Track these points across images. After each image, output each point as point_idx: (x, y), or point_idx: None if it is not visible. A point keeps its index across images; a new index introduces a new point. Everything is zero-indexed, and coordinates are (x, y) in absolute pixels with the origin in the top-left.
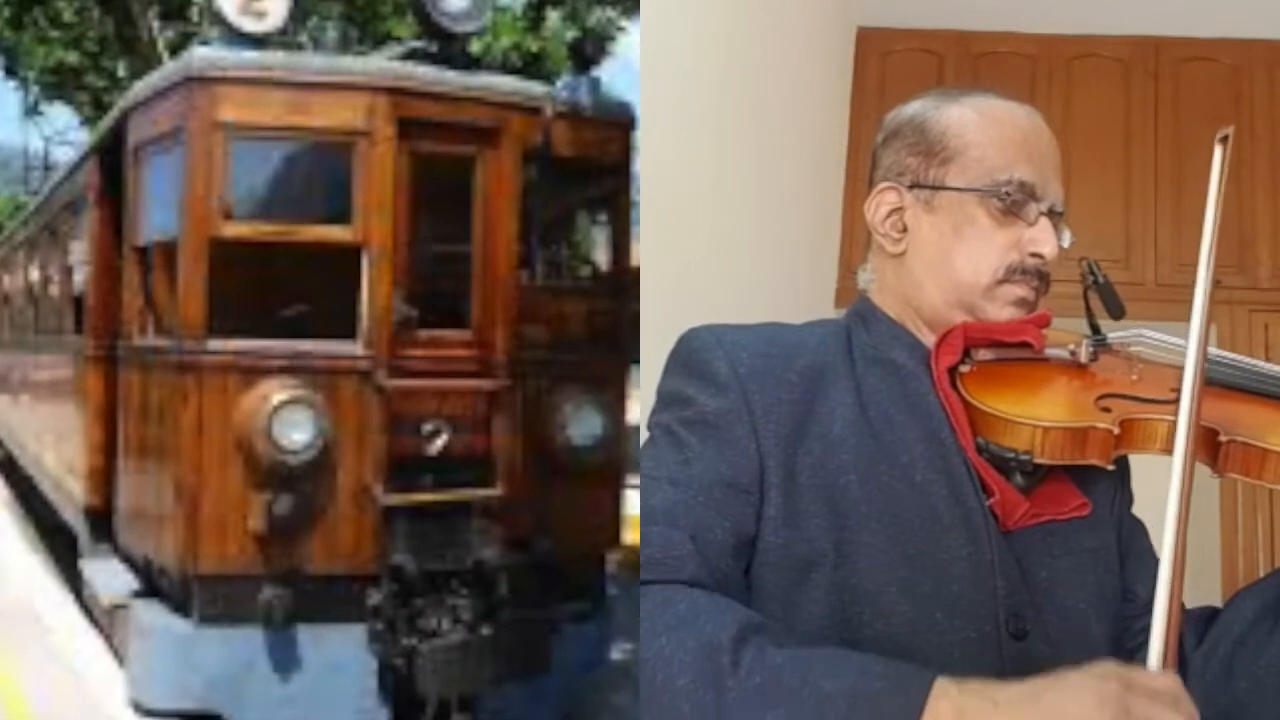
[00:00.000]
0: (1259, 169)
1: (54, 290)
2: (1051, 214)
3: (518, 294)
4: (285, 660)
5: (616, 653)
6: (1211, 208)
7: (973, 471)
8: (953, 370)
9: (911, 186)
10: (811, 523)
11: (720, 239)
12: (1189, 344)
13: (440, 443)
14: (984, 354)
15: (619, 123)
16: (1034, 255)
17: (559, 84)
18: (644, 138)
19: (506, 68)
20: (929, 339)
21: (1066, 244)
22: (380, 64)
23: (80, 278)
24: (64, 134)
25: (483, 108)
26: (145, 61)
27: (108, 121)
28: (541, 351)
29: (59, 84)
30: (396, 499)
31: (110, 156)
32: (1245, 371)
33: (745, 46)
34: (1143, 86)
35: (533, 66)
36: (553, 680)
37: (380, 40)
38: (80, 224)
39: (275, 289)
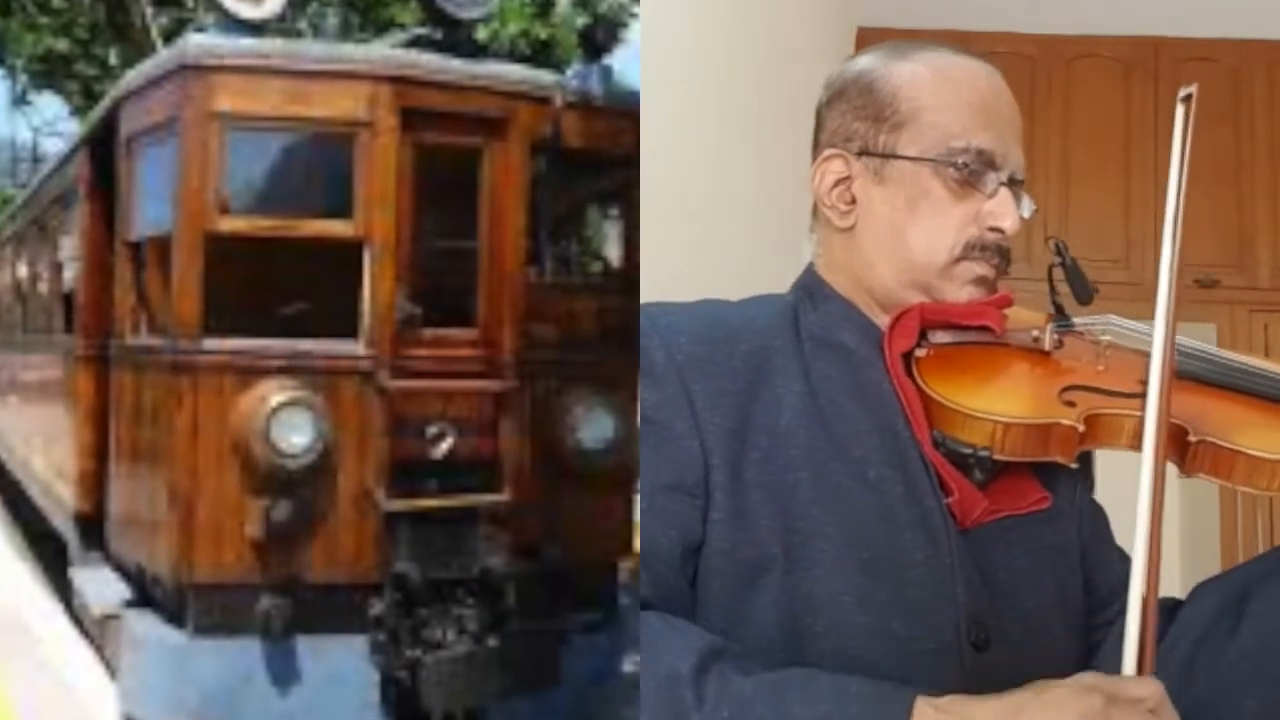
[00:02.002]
0: (1259, 169)
1: (43, 287)
2: (1011, 183)
3: (526, 291)
4: (284, 672)
5: (629, 664)
6: (1175, 175)
7: (930, 468)
8: (907, 356)
9: (860, 154)
10: (759, 524)
11: (720, 239)
12: (1155, 331)
13: (445, 446)
14: (941, 336)
15: (632, 113)
16: (993, 230)
17: (569, 73)
18: (644, 140)
19: (514, 56)
20: (882, 320)
21: (1027, 214)
22: (383, 52)
23: (70, 274)
24: (53, 125)
25: (489, 97)
26: (138, 49)
27: (99, 112)
28: (551, 351)
29: (48, 72)
30: (399, 504)
31: (101, 148)
32: (1217, 365)
33: (745, 47)
34: (1143, 86)
35: (542, 54)
36: (562, 693)
37: (383, 27)
38: (70, 218)
39: (273, 286)
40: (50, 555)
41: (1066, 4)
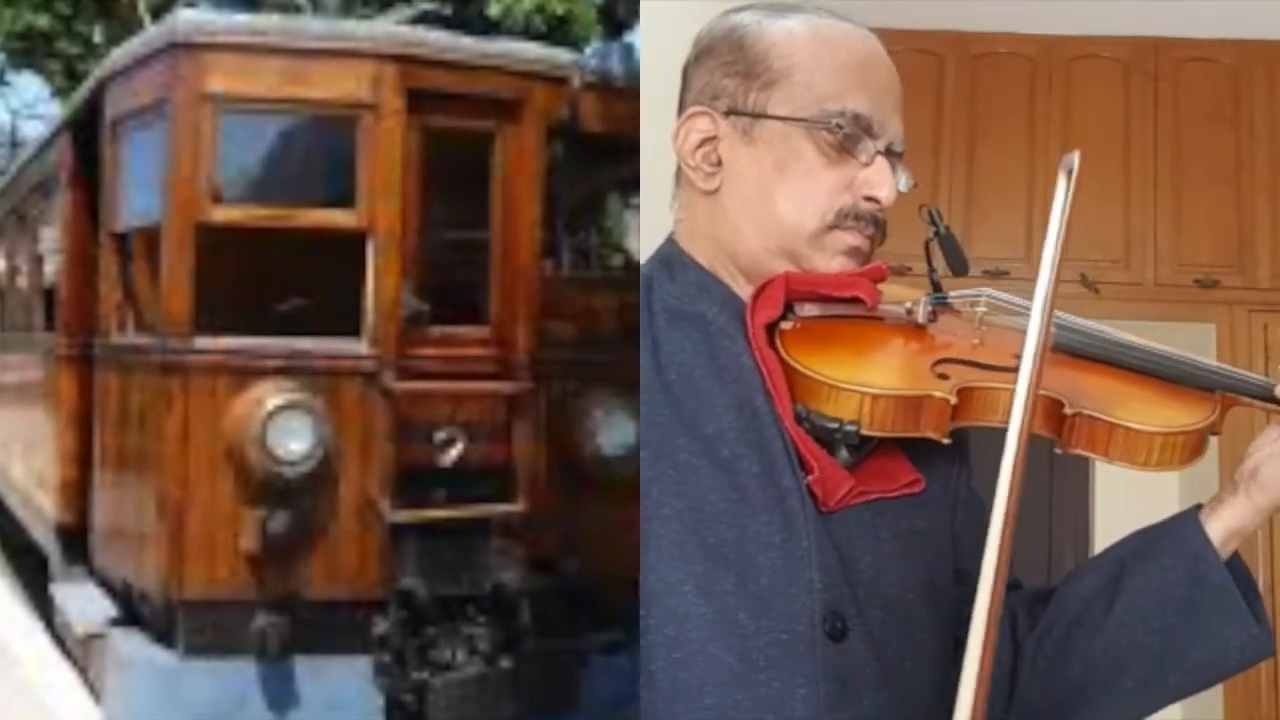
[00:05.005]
0: (1259, 169)
1: (22, 282)
2: (890, 154)
3: (541, 286)
4: (281, 695)
5: None
6: (1052, 240)
7: (789, 444)
8: (771, 327)
9: (728, 113)
10: None
11: None
12: (1025, 358)
13: (455, 452)
14: (809, 309)
15: None
16: (869, 199)
17: (588, 51)
18: (644, 141)
19: (529, 33)
20: (745, 291)
21: (905, 187)
22: (387, 29)
23: (51, 268)
24: (33, 106)
25: (502, 78)
26: (124, 26)
27: (82, 93)
28: (568, 350)
29: (28, 51)
30: (406, 515)
31: (85, 132)
32: (1093, 339)
33: None
34: (1143, 86)
35: (558, 31)
36: (581, 718)
37: (388, 2)
38: (51, 208)
39: (270, 280)
40: (30, 570)
41: (1066, 4)
